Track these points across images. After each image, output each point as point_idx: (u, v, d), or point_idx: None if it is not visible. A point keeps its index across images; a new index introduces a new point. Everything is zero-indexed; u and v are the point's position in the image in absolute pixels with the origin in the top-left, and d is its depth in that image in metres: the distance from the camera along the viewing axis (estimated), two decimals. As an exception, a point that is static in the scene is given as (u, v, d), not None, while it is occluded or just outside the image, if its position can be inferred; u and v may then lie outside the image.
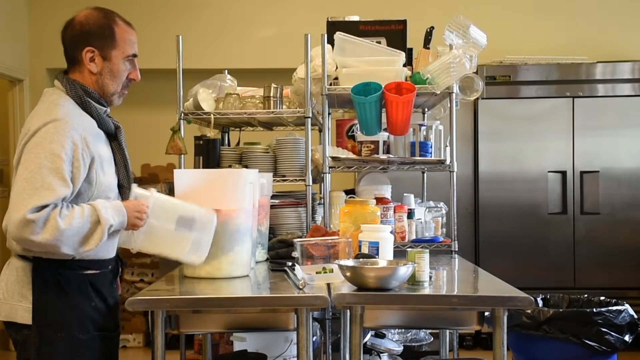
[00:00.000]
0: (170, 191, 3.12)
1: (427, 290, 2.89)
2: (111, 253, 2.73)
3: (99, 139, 2.63)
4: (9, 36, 6.46)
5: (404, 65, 4.02)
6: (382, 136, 4.06)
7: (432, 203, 4.36)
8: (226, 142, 4.87)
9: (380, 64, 3.96)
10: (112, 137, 2.74)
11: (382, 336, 3.94)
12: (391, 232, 3.24)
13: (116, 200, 2.65)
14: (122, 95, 2.76)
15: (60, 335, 2.52)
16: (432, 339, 4.29)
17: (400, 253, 3.35)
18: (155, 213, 2.77)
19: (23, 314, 2.52)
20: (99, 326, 2.64)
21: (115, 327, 2.75)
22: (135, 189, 2.75)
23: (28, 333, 2.51)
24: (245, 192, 3.10)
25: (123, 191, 2.73)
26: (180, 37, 4.31)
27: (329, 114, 4.12)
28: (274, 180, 4.04)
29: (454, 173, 3.98)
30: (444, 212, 4.30)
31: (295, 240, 3.20)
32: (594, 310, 3.83)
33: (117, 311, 2.76)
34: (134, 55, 2.75)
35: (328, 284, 2.96)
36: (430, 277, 2.98)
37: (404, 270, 2.81)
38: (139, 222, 2.66)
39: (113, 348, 2.74)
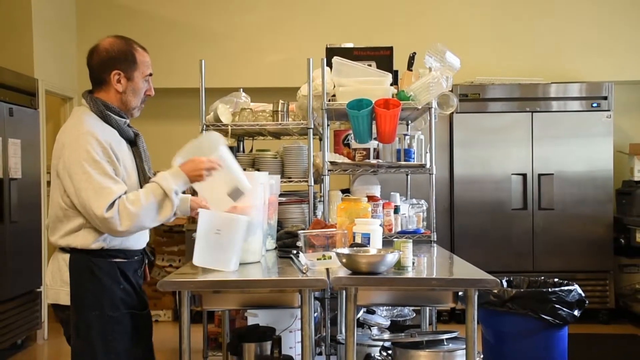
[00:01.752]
0: (194, 192, 3.08)
1: (410, 274, 2.87)
2: (138, 245, 2.72)
3: (120, 145, 2.64)
4: (60, 60, 6.44)
5: (391, 85, 4.00)
6: (373, 144, 4.04)
7: (414, 200, 4.34)
8: (241, 149, 4.84)
9: (371, 83, 3.94)
10: (133, 143, 2.74)
11: (373, 312, 3.92)
12: (380, 225, 3.21)
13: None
14: (141, 108, 2.76)
15: (94, 313, 2.54)
16: (415, 314, 4.26)
17: (387, 243, 3.32)
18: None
19: (65, 297, 2.57)
20: (128, 305, 2.63)
21: (142, 307, 2.72)
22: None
23: (69, 312, 2.56)
24: (257, 191, 3.07)
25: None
26: (203, 61, 4.29)
27: (327, 125, 4.10)
28: (281, 181, 4.02)
29: (433, 175, 3.96)
30: (424, 208, 4.28)
31: (299, 232, 3.17)
32: (549, 290, 3.81)
33: (143, 294, 2.74)
34: (150, 75, 2.73)
35: (327, 269, 2.94)
36: (413, 263, 2.96)
37: (391, 257, 2.78)
38: (201, 176, 2.65)
39: (143, 324, 2.72)
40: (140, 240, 2.73)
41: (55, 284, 2.60)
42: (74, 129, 2.55)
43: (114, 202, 2.45)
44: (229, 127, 4.13)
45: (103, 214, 2.42)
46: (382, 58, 4.16)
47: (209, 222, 2.77)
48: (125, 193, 2.51)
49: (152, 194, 2.52)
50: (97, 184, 2.45)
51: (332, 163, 4.00)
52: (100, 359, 2.54)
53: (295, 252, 3.18)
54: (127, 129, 2.71)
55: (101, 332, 2.54)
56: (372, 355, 3.40)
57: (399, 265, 2.87)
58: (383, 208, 3.92)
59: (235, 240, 2.80)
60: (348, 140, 4.64)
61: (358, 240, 3.08)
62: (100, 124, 2.60)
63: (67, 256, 2.57)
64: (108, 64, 2.62)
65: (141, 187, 2.67)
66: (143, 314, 2.72)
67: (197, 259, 2.79)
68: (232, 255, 2.80)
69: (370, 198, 3.86)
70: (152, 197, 2.52)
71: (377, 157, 4.07)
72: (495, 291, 3.78)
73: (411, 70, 4.09)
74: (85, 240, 2.54)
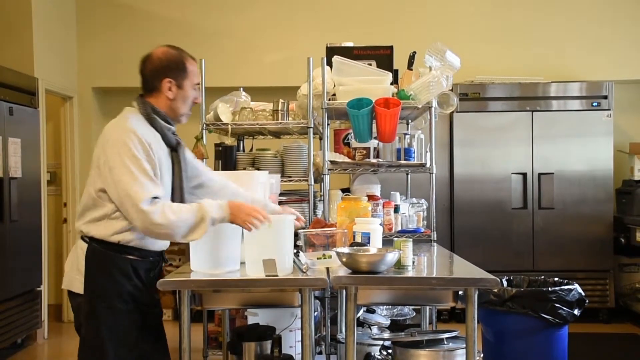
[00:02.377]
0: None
1: (410, 273, 2.87)
2: (155, 247, 2.76)
3: (160, 148, 2.69)
4: (61, 59, 6.44)
5: (391, 84, 4.00)
6: (373, 143, 4.04)
7: (414, 200, 4.34)
8: (241, 148, 4.84)
9: (371, 82, 3.94)
10: (174, 150, 2.77)
11: (373, 312, 3.92)
12: (380, 224, 3.22)
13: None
14: (188, 115, 2.85)
15: (103, 304, 2.60)
16: (415, 313, 4.26)
17: (388, 242, 3.33)
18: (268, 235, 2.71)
19: (78, 285, 2.64)
20: (138, 300, 2.67)
21: (152, 304, 2.76)
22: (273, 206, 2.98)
23: (81, 300, 2.63)
24: (257, 191, 3.07)
25: (175, 197, 2.74)
26: (204, 60, 4.28)
27: (328, 124, 4.10)
28: (281, 180, 4.02)
29: (433, 174, 3.96)
30: (424, 207, 4.28)
31: (299, 231, 3.17)
32: (549, 289, 3.81)
33: (155, 293, 2.76)
34: (198, 84, 2.83)
35: (327, 268, 2.94)
36: (413, 262, 2.96)
37: (391, 256, 2.79)
38: (244, 222, 2.67)
39: (152, 320, 2.77)
40: (158, 242, 2.76)
41: (72, 271, 2.67)
42: (119, 125, 2.63)
43: (155, 199, 2.52)
44: (229, 126, 4.13)
45: (142, 206, 2.48)
46: (382, 57, 4.16)
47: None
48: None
49: (193, 212, 2.58)
50: (137, 178, 2.51)
51: (332, 162, 4.00)
52: (107, 349, 2.59)
53: (295, 251, 3.18)
54: (170, 136, 2.75)
55: (110, 323, 2.60)
56: (372, 354, 3.40)
57: (399, 265, 2.87)
58: (383, 207, 3.92)
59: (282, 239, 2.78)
60: (348, 139, 4.64)
61: (358, 239, 3.08)
62: (145, 125, 2.68)
63: (85, 245, 2.63)
64: (160, 71, 2.72)
65: (174, 194, 2.72)
66: (153, 312, 2.76)
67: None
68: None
69: (371, 197, 3.86)
70: (192, 215, 2.57)
71: (377, 156, 4.07)
72: (495, 290, 3.78)
73: (411, 70, 4.10)
74: (106, 230, 2.59)
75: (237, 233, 2.80)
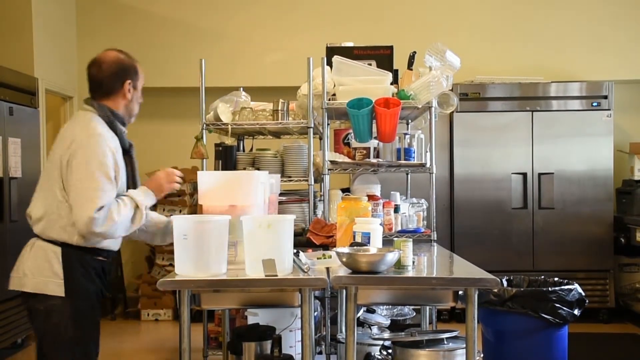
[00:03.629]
0: (195, 190, 3.09)
1: (410, 273, 2.87)
2: (115, 247, 2.91)
3: (118, 152, 2.78)
4: (60, 58, 6.44)
5: (391, 84, 4.00)
6: (373, 143, 4.04)
7: (414, 200, 4.34)
8: (241, 148, 4.84)
9: (371, 82, 3.94)
10: (126, 152, 2.85)
11: (373, 312, 3.92)
12: (380, 224, 3.21)
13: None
14: (136, 116, 2.96)
15: (87, 303, 2.74)
16: (415, 313, 4.26)
17: (388, 242, 3.33)
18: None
19: (54, 287, 2.67)
20: (103, 297, 2.87)
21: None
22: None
23: (55, 303, 2.66)
24: (257, 190, 3.07)
25: None
26: (204, 60, 4.29)
27: (328, 124, 4.10)
28: (281, 180, 4.02)
29: (433, 174, 3.96)
30: (424, 207, 4.28)
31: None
32: (549, 289, 3.81)
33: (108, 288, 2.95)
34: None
35: (327, 268, 2.94)
36: (413, 262, 2.96)
37: (391, 256, 2.78)
38: (163, 190, 2.96)
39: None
40: (117, 243, 2.91)
41: (41, 274, 2.68)
42: (85, 128, 2.69)
43: (103, 205, 2.61)
44: (229, 127, 4.13)
45: (92, 213, 2.57)
46: (382, 57, 4.16)
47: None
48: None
49: (130, 205, 2.73)
50: (97, 185, 2.61)
51: (332, 162, 4.00)
52: (90, 345, 2.77)
53: (295, 251, 3.18)
54: (125, 138, 2.85)
55: (92, 320, 2.78)
56: (372, 354, 3.40)
57: (399, 265, 2.87)
58: (383, 207, 3.92)
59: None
60: (348, 139, 4.65)
61: (358, 239, 3.08)
62: (107, 129, 2.75)
63: (57, 249, 2.68)
64: (121, 74, 2.81)
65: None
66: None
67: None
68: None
69: (371, 197, 3.86)
70: (130, 208, 2.73)
71: (377, 156, 4.07)
72: (496, 290, 3.78)
73: (411, 70, 4.10)
74: (78, 237, 2.68)
75: (223, 236, 2.78)
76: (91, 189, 2.58)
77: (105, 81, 2.80)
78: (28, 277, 2.70)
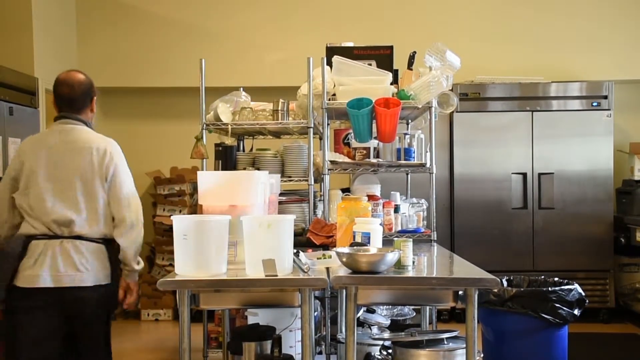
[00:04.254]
0: (195, 190, 3.10)
1: (410, 273, 2.87)
2: None
3: None
4: (60, 58, 6.43)
5: (391, 84, 4.00)
6: (373, 143, 4.04)
7: (414, 200, 4.34)
8: (241, 148, 4.84)
9: (371, 82, 3.95)
10: None
11: (373, 312, 3.92)
12: (380, 224, 3.21)
13: None
14: None
15: (117, 287, 3.12)
16: (415, 313, 4.26)
17: (388, 242, 3.33)
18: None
19: (106, 277, 3.04)
20: None
21: None
22: None
23: (106, 290, 3.03)
24: (257, 190, 3.07)
25: None
26: (203, 60, 4.29)
27: (328, 124, 4.10)
28: (281, 180, 4.02)
29: (433, 174, 3.97)
30: (424, 207, 4.28)
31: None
32: (549, 289, 3.81)
33: None
34: None
35: (327, 268, 2.94)
36: (413, 262, 2.96)
37: (392, 256, 2.79)
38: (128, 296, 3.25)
39: None
40: None
41: (97, 268, 3.00)
42: (104, 139, 3.12)
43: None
44: (229, 127, 4.13)
45: (141, 218, 3.13)
46: (382, 57, 4.16)
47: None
48: None
49: None
50: (134, 190, 3.16)
51: (332, 162, 4.00)
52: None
53: (295, 251, 3.18)
54: None
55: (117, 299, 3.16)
56: (372, 354, 3.40)
57: (399, 265, 2.87)
58: (383, 207, 3.92)
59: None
60: (348, 139, 4.65)
61: (358, 239, 3.08)
62: None
63: (102, 246, 3.03)
64: (91, 91, 3.18)
65: None
66: None
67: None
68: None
69: (371, 197, 3.86)
70: None
71: (377, 156, 4.07)
72: (496, 290, 3.79)
73: (411, 69, 4.10)
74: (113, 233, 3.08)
75: (223, 236, 2.78)
76: (135, 195, 3.13)
77: (79, 98, 3.12)
78: (89, 272, 2.98)
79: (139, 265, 3.14)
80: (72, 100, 3.10)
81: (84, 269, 2.95)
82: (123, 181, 3.05)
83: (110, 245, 3.05)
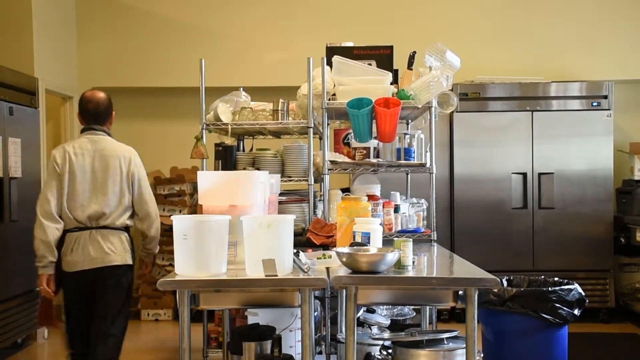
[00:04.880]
0: (195, 190, 3.09)
1: (410, 273, 2.87)
2: None
3: None
4: (61, 59, 6.44)
5: (391, 84, 4.00)
6: (373, 143, 4.04)
7: (414, 199, 4.34)
8: (241, 148, 4.84)
9: (371, 82, 3.95)
10: None
11: (373, 311, 3.92)
12: (380, 224, 3.21)
13: None
14: None
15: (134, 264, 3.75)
16: (415, 313, 4.26)
17: (388, 242, 3.33)
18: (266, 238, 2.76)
19: (129, 258, 3.65)
20: None
21: None
22: None
23: (128, 270, 3.66)
24: (257, 190, 3.07)
25: None
26: (203, 60, 4.29)
27: (327, 124, 4.10)
28: (281, 180, 4.02)
29: (433, 174, 3.97)
30: (424, 207, 4.28)
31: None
32: (549, 289, 3.81)
33: None
34: None
35: (327, 268, 2.94)
36: (413, 262, 2.96)
37: (392, 256, 2.79)
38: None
39: None
40: None
41: (122, 251, 3.61)
42: (126, 148, 3.71)
43: None
44: (229, 127, 4.13)
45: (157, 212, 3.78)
46: (382, 57, 4.16)
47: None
48: None
49: None
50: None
51: (332, 162, 4.00)
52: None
53: (295, 251, 3.18)
54: None
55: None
56: (372, 354, 3.40)
57: (399, 265, 2.87)
58: (383, 207, 3.92)
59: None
60: (348, 139, 4.65)
61: (358, 239, 3.08)
62: None
63: (124, 233, 3.64)
64: (110, 107, 3.77)
65: None
66: None
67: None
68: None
69: (371, 197, 3.86)
70: None
71: (377, 156, 4.07)
72: (496, 290, 3.79)
73: (411, 69, 4.10)
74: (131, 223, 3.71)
75: (223, 236, 2.78)
76: (153, 195, 3.77)
77: (105, 112, 3.72)
78: (115, 254, 3.58)
79: (157, 249, 3.83)
80: (97, 114, 3.70)
81: (111, 251, 3.58)
82: (145, 184, 3.68)
83: (128, 231, 3.69)
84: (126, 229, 3.67)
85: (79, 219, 3.54)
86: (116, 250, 3.59)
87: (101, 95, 3.74)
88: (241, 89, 4.53)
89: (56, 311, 3.91)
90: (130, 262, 3.66)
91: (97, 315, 3.61)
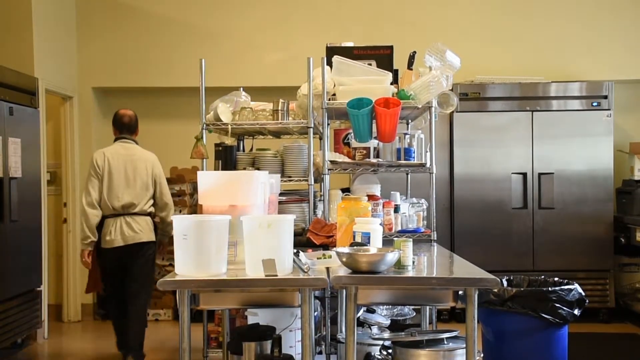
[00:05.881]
0: (195, 190, 3.09)
1: (410, 273, 2.87)
2: None
3: None
4: (61, 59, 6.44)
5: (391, 84, 4.00)
6: (373, 143, 4.04)
7: (414, 199, 4.34)
8: (241, 148, 4.85)
9: (371, 82, 3.95)
10: None
11: (373, 311, 3.92)
12: (380, 224, 3.21)
13: None
14: None
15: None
16: (415, 313, 4.26)
17: (388, 242, 3.33)
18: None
19: (153, 236, 4.75)
20: None
21: None
22: None
23: (153, 245, 4.77)
24: (257, 190, 3.07)
25: None
26: (203, 60, 4.29)
27: (328, 124, 4.10)
28: (281, 180, 4.02)
29: (433, 174, 3.97)
30: (424, 207, 4.28)
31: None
32: (549, 289, 3.81)
33: None
34: None
35: (327, 268, 2.94)
36: (413, 262, 2.96)
37: (392, 256, 2.79)
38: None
39: None
40: None
41: (147, 230, 4.70)
42: (150, 154, 4.81)
43: None
44: (229, 126, 4.13)
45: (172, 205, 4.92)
46: (382, 57, 4.16)
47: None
48: None
49: None
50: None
51: (332, 162, 4.00)
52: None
53: (295, 251, 3.18)
54: None
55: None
56: (372, 354, 3.40)
57: (399, 265, 2.87)
58: (383, 207, 3.92)
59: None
60: (348, 139, 4.65)
61: (358, 239, 3.08)
62: None
63: (148, 217, 4.73)
64: (137, 121, 4.89)
65: None
66: None
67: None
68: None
69: (371, 197, 3.86)
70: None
71: (377, 156, 4.07)
72: (496, 290, 3.79)
73: (411, 69, 4.10)
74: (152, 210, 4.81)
75: (223, 236, 2.78)
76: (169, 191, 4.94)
77: (135, 125, 4.85)
78: (143, 233, 4.67)
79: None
80: (129, 127, 4.82)
81: (139, 231, 4.65)
82: (163, 181, 4.80)
83: (151, 216, 4.74)
84: (149, 214, 4.72)
85: (115, 207, 4.61)
86: (143, 230, 4.67)
87: (131, 112, 4.85)
88: (241, 89, 4.53)
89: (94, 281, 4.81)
90: (153, 238, 4.74)
91: (131, 279, 4.66)
